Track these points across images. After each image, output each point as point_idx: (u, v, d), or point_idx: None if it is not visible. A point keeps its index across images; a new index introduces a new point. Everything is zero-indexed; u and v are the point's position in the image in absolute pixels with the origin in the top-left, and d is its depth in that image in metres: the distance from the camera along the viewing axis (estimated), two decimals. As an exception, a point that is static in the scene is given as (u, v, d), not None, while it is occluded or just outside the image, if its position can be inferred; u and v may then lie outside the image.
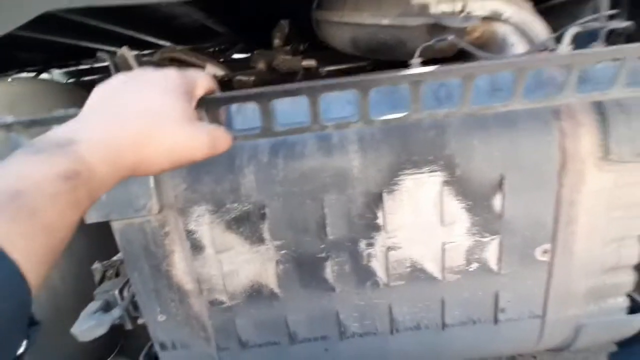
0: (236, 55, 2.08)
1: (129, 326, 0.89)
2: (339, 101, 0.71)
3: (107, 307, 0.85)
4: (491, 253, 0.76)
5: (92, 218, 0.71)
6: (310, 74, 1.46)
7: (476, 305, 0.81)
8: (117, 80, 0.45)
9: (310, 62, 1.42)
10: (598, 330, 0.86)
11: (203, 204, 0.72)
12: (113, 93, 0.43)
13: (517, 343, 0.87)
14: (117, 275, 0.99)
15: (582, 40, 0.84)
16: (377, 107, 0.67)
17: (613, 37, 1.00)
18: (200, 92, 0.49)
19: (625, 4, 1.08)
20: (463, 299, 0.80)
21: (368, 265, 0.77)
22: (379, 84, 0.51)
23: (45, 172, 0.31)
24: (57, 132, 0.37)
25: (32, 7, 0.71)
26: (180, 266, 0.77)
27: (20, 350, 0.27)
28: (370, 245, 0.76)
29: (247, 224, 0.74)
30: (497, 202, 0.72)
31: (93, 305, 0.85)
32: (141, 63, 0.92)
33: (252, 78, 1.38)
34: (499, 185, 0.71)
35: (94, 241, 1.05)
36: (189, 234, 0.74)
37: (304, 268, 0.77)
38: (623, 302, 0.84)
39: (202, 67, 1.35)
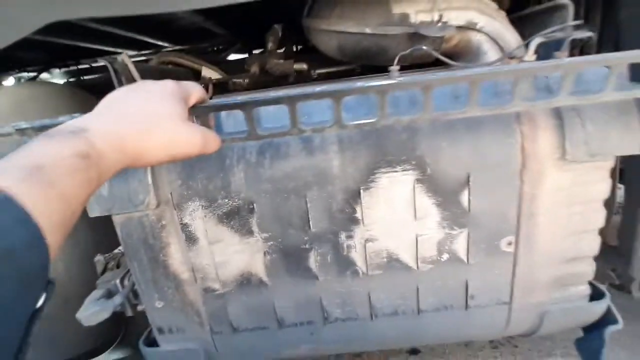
0: (234, 56, 2.14)
1: (129, 313, 0.96)
2: (320, 106, 0.78)
3: (109, 295, 0.92)
4: (460, 245, 0.83)
5: (95, 212, 0.78)
6: (302, 77, 1.53)
7: (448, 292, 0.88)
8: (121, 90, 0.52)
9: (301, 66, 1.49)
10: (562, 317, 0.93)
11: (197, 199, 0.79)
12: (119, 99, 0.51)
13: (487, 328, 0.94)
14: (118, 266, 1.06)
15: (550, 47, 0.90)
16: (360, 109, 0.75)
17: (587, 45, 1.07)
18: (193, 100, 0.56)
19: (598, 15, 1.15)
20: (436, 287, 0.88)
21: (348, 255, 0.84)
22: (349, 94, 0.58)
23: (62, 151, 0.38)
24: (71, 123, 0.44)
25: (39, 17, 0.78)
26: (176, 257, 0.84)
27: (40, 303, 0.34)
28: (349, 237, 0.83)
29: (237, 218, 0.81)
30: (464, 198, 0.79)
31: (96, 293, 0.92)
32: (139, 68, 0.99)
33: (247, 81, 1.45)
34: (466, 183, 0.78)
35: (96, 235, 1.12)
36: (184, 227, 0.81)
37: (289, 258, 0.85)
38: (585, 289, 0.92)
39: (199, 70, 1.42)
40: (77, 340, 1.16)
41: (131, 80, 1.00)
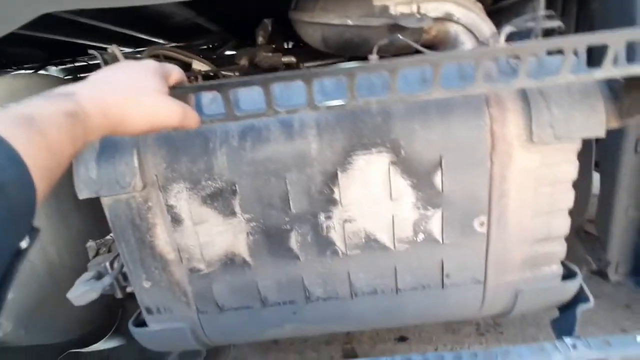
0: (228, 53, 2.18)
1: (119, 294, 1.00)
2: (301, 93, 0.81)
3: (99, 277, 0.96)
4: (435, 225, 0.87)
5: (84, 194, 0.82)
6: (290, 69, 1.57)
7: (424, 271, 0.92)
8: (107, 68, 0.57)
9: (290, 59, 1.53)
10: (535, 296, 0.96)
11: (181, 181, 0.83)
12: (105, 73, 0.55)
13: (463, 307, 0.98)
14: (109, 252, 1.10)
15: (524, 38, 0.94)
16: (337, 94, 0.78)
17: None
18: (173, 79, 0.60)
19: (574, 7, 1.19)
20: (413, 266, 0.91)
21: (327, 236, 0.88)
22: (320, 76, 0.61)
23: (52, 108, 0.42)
24: (61, 87, 0.48)
25: (30, 9, 0.81)
26: (162, 237, 0.88)
27: (24, 245, 0.37)
28: (328, 218, 0.86)
29: (220, 200, 0.85)
30: (437, 179, 0.83)
31: (86, 275, 0.96)
32: (129, 59, 1.03)
33: (236, 73, 1.49)
34: (439, 165, 0.82)
35: (88, 219, 1.15)
36: (169, 208, 0.85)
37: (271, 239, 0.88)
38: (557, 269, 0.95)
39: (190, 63, 1.46)
40: (70, 324, 1.20)
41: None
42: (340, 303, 0.95)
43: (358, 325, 1.06)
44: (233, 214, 0.85)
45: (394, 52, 1.11)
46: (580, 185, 0.91)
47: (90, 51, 1.02)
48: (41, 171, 0.38)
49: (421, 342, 1.63)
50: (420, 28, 1.03)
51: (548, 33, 0.94)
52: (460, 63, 0.77)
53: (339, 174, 0.82)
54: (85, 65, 2.18)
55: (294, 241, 0.88)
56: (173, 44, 2.01)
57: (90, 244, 1.09)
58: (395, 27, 1.02)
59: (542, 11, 0.97)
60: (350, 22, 1.05)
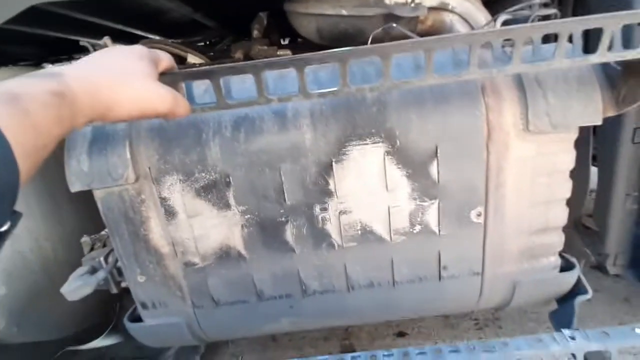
0: (223, 47, 2.17)
1: (113, 289, 0.99)
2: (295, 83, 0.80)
3: (93, 271, 0.95)
4: (431, 216, 0.86)
5: (76, 187, 0.81)
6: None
7: (421, 263, 0.91)
8: (97, 52, 0.56)
9: (285, 52, 1.52)
10: (533, 288, 0.96)
11: (174, 173, 0.82)
12: (95, 57, 0.54)
13: (461, 300, 0.97)
14: (104, 247, 1.09)
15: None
16: (332, 84, 0.77)
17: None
18: (163, 65, 0.59)
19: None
20: (409, 258, 0.90)
21: (323, 228, 0.87)
22: (311, 62, 0.60)
23: (38, 87, 0.40)
24: (49, 68, 0.47)
25: (16, 3, 0.80)
26: (156, 231, 0.87)
27: (4, 228, 0.36)
28: (324, 209, 0.85)
29: (214, 192, 0.84)
30: (433, 169, 0.82)
31: (81, 270, 0.95)
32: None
33: (231, 67, 1.47)
34: (434, 155, 0.81)
35: (83, 215, 1.14)
36: (163, 201, 0.84)
37: (266, 231, 0.87)
38: (555, 261, 0.94)
39: (184, 57, 1.44)
40: (65, 320, 1.19)
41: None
42: (337, 296, 0.94)
43: (355, 318, 1.05)
44: (227, 206, 0.85)
45: (388, 41, 1.11)
46: (578, 178, 0.91)
47: (82, 42, 1.01)
48: (25, 150, 0.36)
49: (420, 338, 1.63)
50: (416, 17, 1.02)
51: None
52: (454, 50, 0.76)
53: (334, 164, 0.82)
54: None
55: (289, 233, 0.87)
56: (169, 41, 2.00)
57: (85, 239, 1.08)
58: (390, 17, 1.01)
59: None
60: (344, 13, 1.04)
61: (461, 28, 1.03)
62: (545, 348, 0.79)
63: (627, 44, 0.62)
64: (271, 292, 0.94)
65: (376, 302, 0.96)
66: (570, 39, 0.64)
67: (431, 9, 1.01)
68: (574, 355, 0.78)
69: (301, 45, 1.57)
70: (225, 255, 0.89)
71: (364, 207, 0.85)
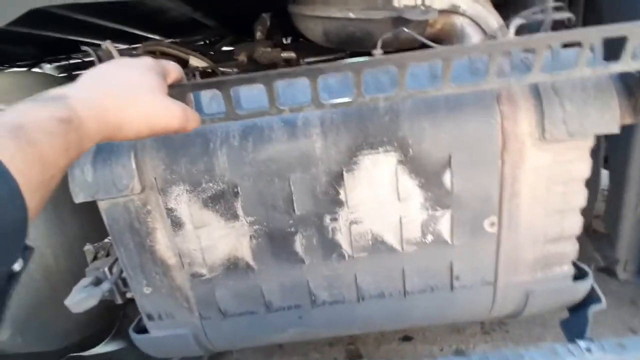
0: (226, 49, 2.14)
1: (118, 300, 0.97)
2: (305, 90, 0.78)
3: (97, 282, 0.93)
4: (444, 225, 0.84)
5: (79, 198, 0.79)
6: (290, 65, 1.53)
7: (433, 273, 0.89)
8: (102, 66, 0.53)
9: (289, 54, 1.49)
10: (546, 297, 0.94)
11: (181, 183, 0.80)
12: (100, 72, 0.52)
13: (473, 309, 0.95)
14: (107, 255, 1.07)
15: (534, 31, 0.91)
16: (343, 92, 0.75)
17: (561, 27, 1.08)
18: (171, 77, 0.57)
19: (581, 1, 1.16)
20: (421, 268, 0.89)
21: (333, 238, 0.85)
22: (324, 72, 0.58)
23: (43, 114, 0.38)
24: (53, 90, 0.44)
25: (17, 6, 0.77)
26: (162, 242, 0.85)
27: (17, 267, 0.34)
28: (334, 219, 0.83)
29: (222, 202, 0.81)
30: (446, 179, 0.80)
31: (85, 281, 0.93)
32: (124, 55, 0.99)
33: (234, 70, 1.45)
34: (448, 164, 0.79)
35: (85, 222, 1.12)
36: (169, 211, 0.82)
37: (275, 242, 0.85)
38: (569, 270, 0.93)
39: (186, 59, 1.42)
40: (67, 329, 1.17)
41: (116, 69, 1.00)
42: (346, 307, 0.92)
43: (364, 328, 1.04)
44: (235, 216, 0.82)
45: (397, 46, 1.08)
46: (588, 182, 0.89)
47: (84, 47, 0.99)
48: (33, 185, 0.34)
49: (426, 342, 1.61)
50: (425, 21, 1.00)
51: (555, 26, 0.91)
52: (470, 57, 0.73)
53: (345, 174, 0.80)
54: (80, 62, 2.13)
55: (298, 244, 0.85)
56: (169, 40, 1.97)
57: (88, 247, 1.06)
58: (399, 20, 0.99)
59: (551, 3, 0.94)
60: (352, 15, 1.02)
61: (472, 31, 1.01)
62: (560, 360, 0.78)
63: (651, 52, 0.60)
64: (280, 303, 0.92)
65: (386, 311, 0.94)
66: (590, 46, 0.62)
67: (441, 12, 0.99)
68: (590, 368, 0.77)
69: (304, 45, 1.54)
70: (233, 266, 0.87)
71: (375, 217, 0.83)
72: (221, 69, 1.37)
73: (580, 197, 0.84)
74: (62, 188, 0.79)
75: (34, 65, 2.00)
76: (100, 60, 0.96)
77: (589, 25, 1.17)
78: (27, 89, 1.11)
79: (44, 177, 0.36)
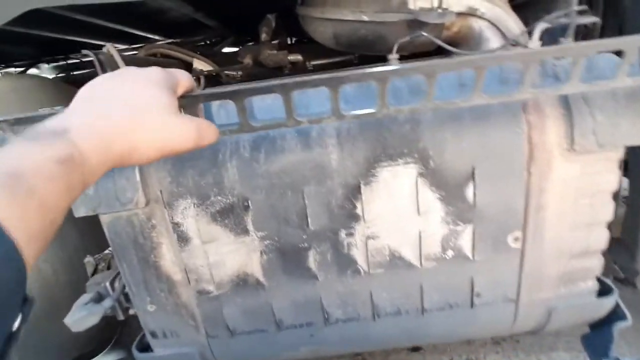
0: (227, 49, 2.09)
1: (120, 317, 0.92)
2: (319, 98, 0.73)
3: (98, 299, 0.88)
4: (465, 240, 0.80)
5: (80, 212, 0.74)
6: (296, 68, 1.49)
7: (453, 290, 0.85)
8: (103, 77, 0.48)
9: (296, 57, 1.45)
10: (569, 313, 0.90)
11: (188, 197, 0.75)
12: (101, 87, 0.46)
13: (493, 326, 0.91)
14: (108, 268, 1.02)
15: (555, 35, 0.87)
16: (360, 100, 0.71)
17: (586, 32, 1.04)
18: (182, 89, 0.52)
19: (601, 1, 1.11)
20: (440, 284, 0.84)
21: (349, 254, 0.81)
22: (347, 81, 0.54)
23: (42, 156, 0.34)
24: (51, 121, 0.39)
25: (14, 6, 0.73)
26: (168, 257, 0.80)
27: (16, 325, 0.30)
28: (350, 234, 0.79)
29: (231, 216, 0.77)
30: (469, 192, 0.76)
31: (85, 297, 0.88)
32: (126, 59, 0.94)
33: (240, 73, 1.40)
34: (471, 176, 0.75)
35: (85, 234, 1.08)
36: (176, 226, 0.77)
37: (287, 258, 0.81)
38: (593, 285, 0.89)
39: (190, 62, 1.37)
40: (66, 344, 1.12)
41: (118, 73, 0.95)
42: (360, 324, 0.88)
43: (378, 345, 0.99)
44: (245, 231, 0.78)
45: (412, 50, 1.04)
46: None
47: (84, 51, 0.94)
48: (32, 235, 0.31)
49: (435, 352, 1.57)
50: (441, 24, 0.96)
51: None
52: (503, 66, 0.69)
53: (362, 187, 0.75)
54: (79, 62, 2.08)
55: (312, 260, 0.81)
56: (170, 41, 1.93)
57: (89, 259, 1.02)
58: (415, 23, 0.95)
59: (575, 6, 0.90)
60: (365, 18, 0.98)
61: (491, 35, 0.96)
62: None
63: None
64: (291, 321, 0.87)
65: (402, 329, 0.90)
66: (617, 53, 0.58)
67: (459, 14, 0.94)
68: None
69: (309, 46, 1.50)
70: (242, 282, 0.82)
71: (393, 232, 0.79)
72: (226, 72, 1.33)
73: (608, 210, 0.80)
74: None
75: (32, 65, 1.95)
76: (102, 65, 0.92)
77: (609, 28, 1.14)
78: (22, 92, 1.06)
79: (44, 224, 0.33)
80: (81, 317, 0.83)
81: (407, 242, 0.80)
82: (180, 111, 0.54)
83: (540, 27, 0.81)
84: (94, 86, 0.46)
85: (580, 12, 0.91)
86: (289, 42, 1.78)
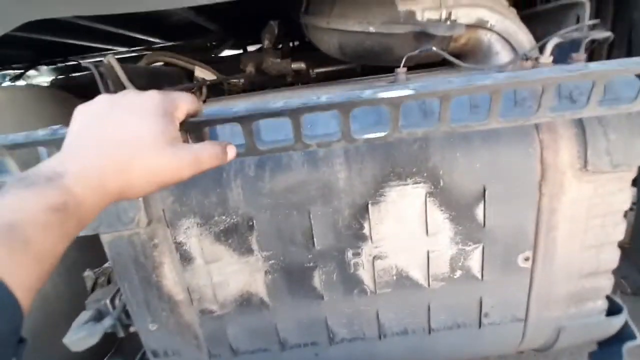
0: (227, 52, 2.07)
1: (121, 334, 0.90)
2: (325, 114, 0.71)
3: (98, 316, 0.86)
4: (474, 261, 0.78)
5: (81, 232, 0.72)
6: (300, 76, 1.46)
7: (461, 310, 0.83)
8: (98, 105, 0.45)
9: (300, 65, 1.43)
10: (578, 332, 0.88)
11: (191, 216, 0.73)
12: (95, 120, 0.44)
13: (501, 345, 0.90)
14: (108, 282, 1.00)
15: (564, 48, 0.85)
16: (368, 117, 0.69)
17: (595, 46, 1.02)
18: (182, 113, 0.49)
19: (609, 14, 1.10)
20: (448, 304, 0.83)
21: (355, 273, 0.79)
22: (359, 105, 0.52)
23: (36, 205, 0.34)
24: (45, 165, 0.38)
25: (17, 16, 0.71)
26: (170, 277, 0.78)
27: None
28: (357, 254, 0.77)
29: (235, 236, 0.75)
30: (479, 212, 0.74)
31: (85, 315, 0.86)
32: (127, 70, 0.92)
33: (242, 81, 1.38)
34: (481, 196, 0.73)
35: (85, 248, 1.05)
36: (178, 245, 0.75)
37: (292, 277, 0.79)
38: (602, 304, 0.87)
39: (192, 70, 1.35)
40: (66, 357, 1.10)
41: (118, 83, 0.93)
42: (366, 344, 0.86)
43: (384, 364, 0.97)
44: (250, 251, 0.76)
45: (417, 61, 1.02)
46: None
47: (84, 63, 0.92)
48: (28, 285, 0.31)
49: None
50: (449, 36, 0.94)
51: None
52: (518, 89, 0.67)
53: (370, 206, 0.73)
54: (77, 65, 2.06)
55: (317, 280, 0.79)
56: (169, 44, 1.90)
57: (88, 273, 0.99)
58: (422, 35, 0.93)
59: (588, 20, 0.88)
60: (372, 29, 0.95)
61: (500, 48, 0.95)
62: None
63: None
64: (295, 340, 0.86)
65: (408, 349, 0.88)
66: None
67: (468, 26, 0.92)
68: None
69: (312, 53, 1.47)
70: (246, 302, 0.81)
71: (401, 252, 0.77)
72: (229, 80, 1.30)
73: (619, 229, 0.79)
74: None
75: (30, 68, 1.92)
76: (102, 77, 0.89)
77: (618, 42, 1.11)
78: (19, 104, 1.04)
79: (40, 272, 0.33)
80: (81, 337, 0.81)
81: (415, 262, 0.78)
82: (186, 135, 0.52)
83: (553, 41, 0.79)
84: (89, 118, 0.44)
85: (593, 26, 0.89)
86: (291, 45, 1.76)
